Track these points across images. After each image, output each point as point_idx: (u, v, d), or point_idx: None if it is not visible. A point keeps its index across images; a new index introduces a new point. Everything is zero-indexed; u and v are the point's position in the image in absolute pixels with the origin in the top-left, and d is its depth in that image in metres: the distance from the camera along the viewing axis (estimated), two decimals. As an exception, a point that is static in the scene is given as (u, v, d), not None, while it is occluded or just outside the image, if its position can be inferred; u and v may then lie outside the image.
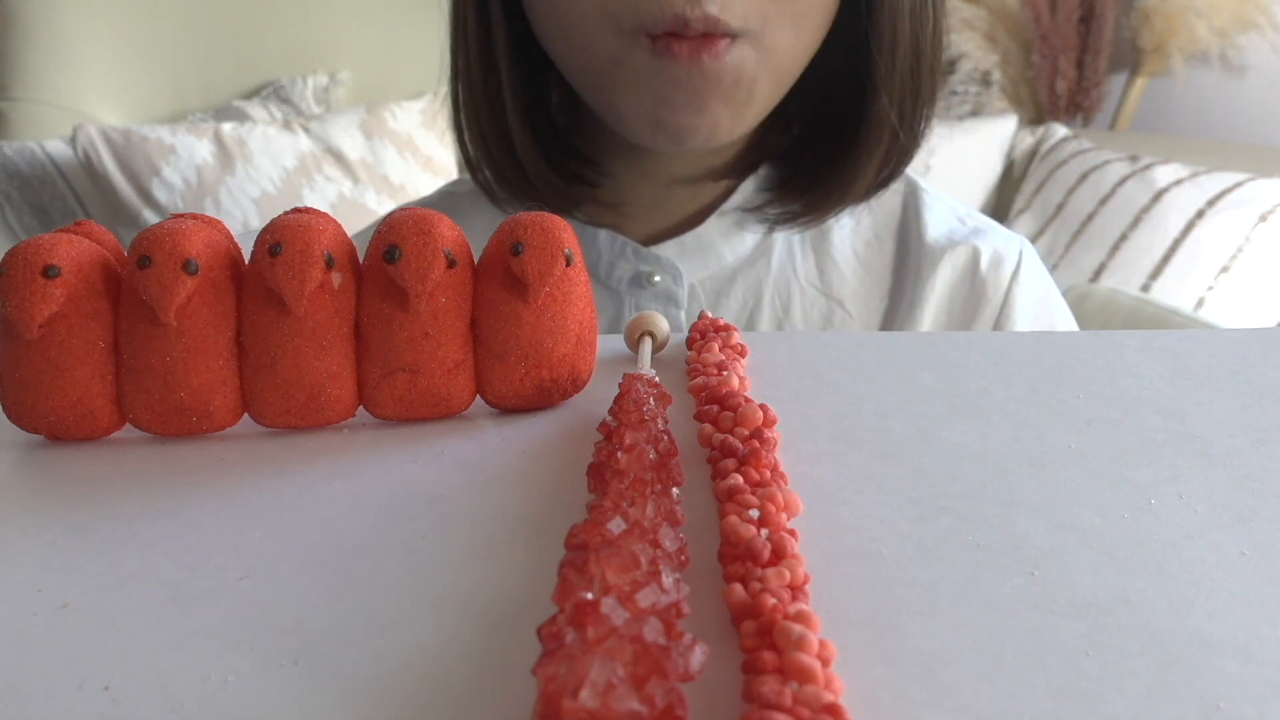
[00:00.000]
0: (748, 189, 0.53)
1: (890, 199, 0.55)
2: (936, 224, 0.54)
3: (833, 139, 0.51)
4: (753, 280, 0.52)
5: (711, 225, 0.53)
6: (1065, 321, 0.55)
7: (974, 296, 0.52)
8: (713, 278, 0.53)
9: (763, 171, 0.53)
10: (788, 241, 0.53)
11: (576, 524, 0.19)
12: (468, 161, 0.54)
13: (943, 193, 0.57)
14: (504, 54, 0.49)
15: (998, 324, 0.52)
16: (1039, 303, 0.53)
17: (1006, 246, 0.53)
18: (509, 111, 0.50)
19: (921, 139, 0.52)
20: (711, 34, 0.42)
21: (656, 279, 0.52)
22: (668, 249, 0.52)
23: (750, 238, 0.53)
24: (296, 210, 0.28)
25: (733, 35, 0.43)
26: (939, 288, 0.52)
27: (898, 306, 0.53)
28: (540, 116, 0.53)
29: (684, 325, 0.52)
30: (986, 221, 0.56)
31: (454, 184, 0.62)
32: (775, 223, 0.53)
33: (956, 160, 1.61)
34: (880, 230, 0.55)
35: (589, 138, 0.53)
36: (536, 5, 0.47)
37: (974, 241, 0.52)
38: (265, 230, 0.26)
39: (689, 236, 0.53)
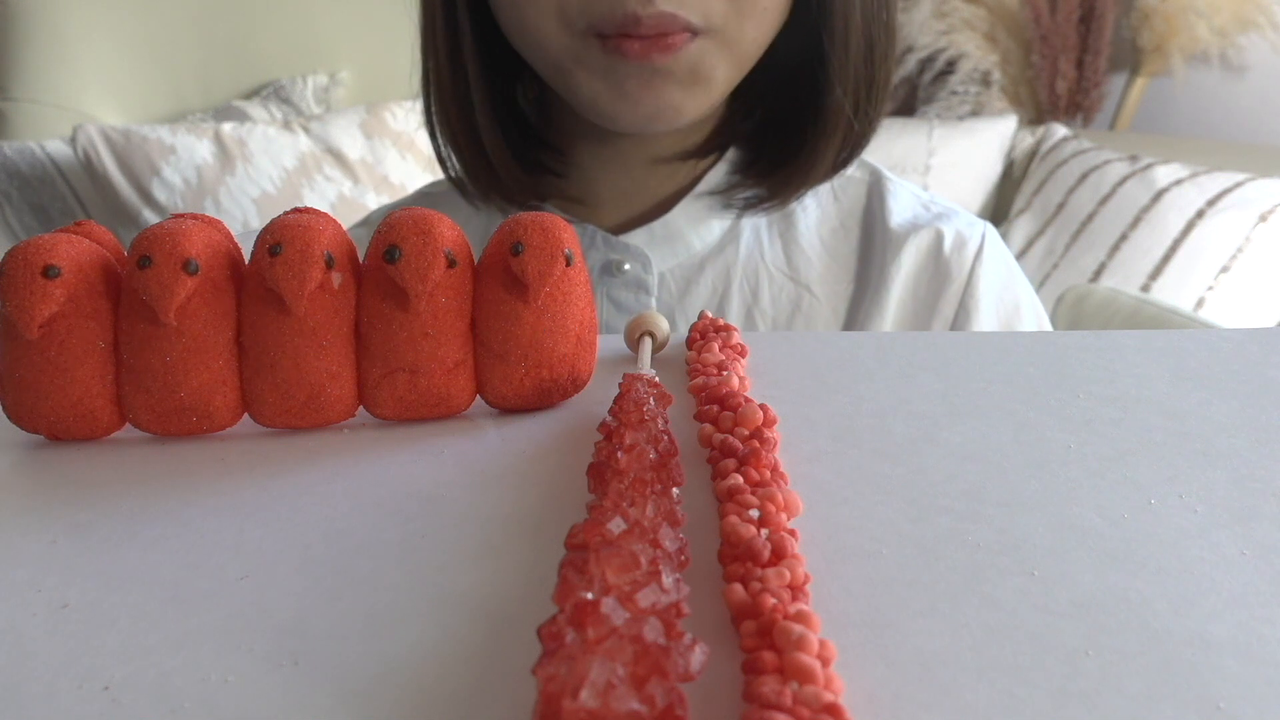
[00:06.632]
0: (716, 175, 0.54)
1: (855, 188, 0.57)
2: (901, 210, 0.55)
3: (793, 124, 0.52)
4: (721, 267, 0.53)
5: (679, 212, 0.53)
6: (1029, 302, 0.55)
7: (939, 277, 0.53)
8: (681, 266, 0.54)
9: (729, 155, 0.54)
10: (755, 229, 0.54)
11: (576, 524, 0.19)
12: (439, 159, 0.55)
13: (908, 181, 0.58)
14: (470, 54, 0.50)
15: (962, 303, 0.53)
16: (1003, 284, 0.54)
17: (970, 229, 0.54)
18: (476, 110, 0.51)
19: (876, 126, 0.53)
20: (667, 32, 0.43)
21: (626, 267, 0.53)
22: (636, 237, 0.53)
23: (718, 225, 0.54)
24: (296, 210, 0.27)
25: (693, 30, 0.43)
26: (904, 270, 0.53)
27: (864, 290, 0.53)
28: (508, 112, 0.54)
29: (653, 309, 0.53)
30: (951, 206, 0.56)
31: (431, 185, 0.63)
32: (742, 208, 0.54)
33: (956, 160, 1.61)
34: (846, 218, 0.56)
35: (558, 129, 0.55)
36: (498, 5, 0.48)
37: (938, 225, 0.53)
38: (265, 230, 0.26)
39: (657, 224, 0.53)
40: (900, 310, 0.53)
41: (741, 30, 0.45)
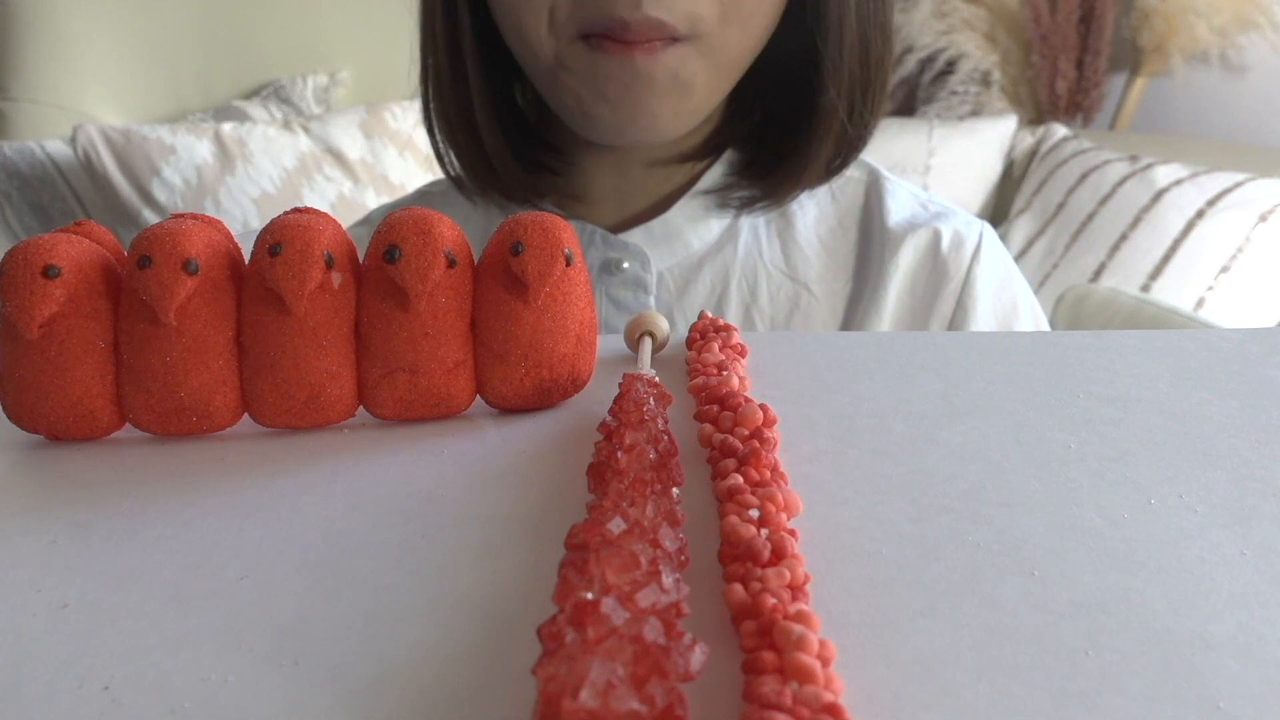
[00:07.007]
0: (714, 174, 0.54)
1: (853, 188, 0.57)
2: (899, 209, 0.55)
3: (789, 127, 0.52)
4: (720, 266, 0.54)
5: (678, 211, 0.54)
6: (1027, 301, 0.56)
7: (936, 276, 0.53)
8: (680, 265, 0.54)
9: (728, 156, 0.55)
10: (753, 228, 0.55)
11: (576, 524, 0.19)
12: (437, 155, 0.56)
13: (906, 181, 0.58)
14: (470, 51, 0.51)
15: (959, 302, 0.53)
16: (1000, 283, 0.54)
17: (967, 228, 0.54)
18: (475, 108, 0.52)
19: (871, 130, 0.53)
20: (651, 39, 0.43)
21: (625, 265, 0.53)
22: (634, 236, 0.54)
23: (716, 225, 0.54)
24: (296, 210, 0.27)
25: (676, 37, 0.43)
26: (902, 269, 0.53)
27: (862, 288, 0.54)
28: (506, 110, 0.54)
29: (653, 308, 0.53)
30: (948, 206, 0.57)
31: (430, 184, 0.63)
32: (738, 208, 0.54)
33: (956, 160, 1.61)
34: (844, 218, 0.56)
35: (557, 128, 0.55)
36: (494, 5, 0.48)
37: (935, 224, 0.54)
38: (265, 230, 0.26)
39: (656, 223, 0.54)
40: (898, 309, 0.53)
41: (725, 37, 0.45)
